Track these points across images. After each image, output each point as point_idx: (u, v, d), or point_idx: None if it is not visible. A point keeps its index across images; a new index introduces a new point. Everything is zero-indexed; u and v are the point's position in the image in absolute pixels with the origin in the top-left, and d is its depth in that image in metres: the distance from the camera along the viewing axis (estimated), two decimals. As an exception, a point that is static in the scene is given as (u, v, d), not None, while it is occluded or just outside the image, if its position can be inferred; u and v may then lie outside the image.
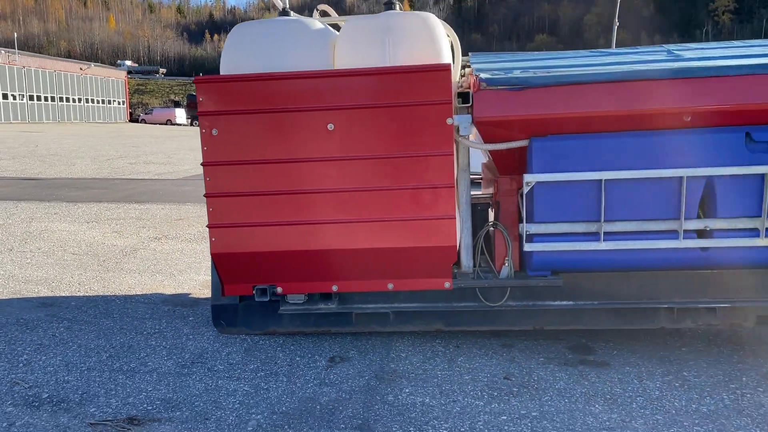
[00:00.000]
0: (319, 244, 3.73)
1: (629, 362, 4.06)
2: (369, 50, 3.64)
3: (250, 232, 3.71)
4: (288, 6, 4.02)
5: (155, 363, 3.89)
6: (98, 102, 71.65)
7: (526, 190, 3.68)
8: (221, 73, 3.75)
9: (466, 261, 4.02)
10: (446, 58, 3.66)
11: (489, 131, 3.74)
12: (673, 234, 3.64)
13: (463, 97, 3.67)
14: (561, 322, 4.14)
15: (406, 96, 3.54)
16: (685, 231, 3.63)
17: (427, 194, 3.63)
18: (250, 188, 3.66)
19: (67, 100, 65.92)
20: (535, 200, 3.72)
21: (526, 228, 3.74)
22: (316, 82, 3.56)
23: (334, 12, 4.70)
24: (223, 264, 3.84)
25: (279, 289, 3.94)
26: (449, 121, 3.56)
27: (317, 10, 4.65)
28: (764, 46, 4.11)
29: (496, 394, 3.59)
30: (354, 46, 3.69)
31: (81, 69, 68.38)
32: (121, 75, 78.06)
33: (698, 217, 3.68)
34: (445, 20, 4.06)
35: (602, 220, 3.65)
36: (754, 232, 3.60)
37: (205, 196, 3.74)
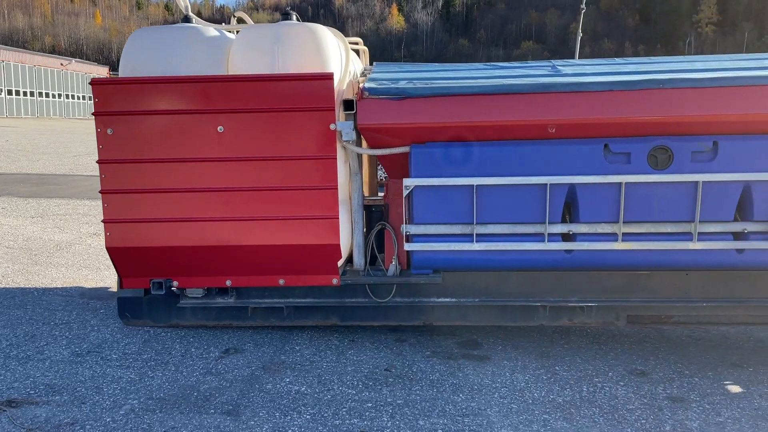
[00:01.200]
0: (211, 240, 3.94)
1: (509, 357, 4.32)
2: (260, 58, 3.87)
3: (144, 227, 3.92)
4: (189, 8, 4.23)
5: (52, 351, 4.09)
6: (79, 98, 71.24)
7: (405, 193, 3.92)
8: (120, 76, 3.95)
9: (358, 259, 4.25)
10: (333, 68, 3.89)
11: (373, 137, 3.97)
12: (539, 237, 3.90)
13: (349, 104, 3.90)
14: (448, 318, 4.39)
15: (292, 102, 3.77)
16: (550, 234, 3.89)
17: (312, 195, 3.85)
18: (144, 186, 3.87)
19: (47, 95, 65.50)
20: (414, 203, 3.96)
21: (407, 229, 3.98)
22: (207, 86, 3.78)
23: (249, 19, 4.93)
24: (118, 258, 4.05)
25: (175, 283, 4.15)
26: (332, 126, 3.80)
27: (234, 16, 4.88)
28: (641, 64, 4.38)
29: (371, 384, 3.82)
30: (246, 53, 3.91)
31: (62, 64, 68.00)
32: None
33: (563, 221, 3.94)
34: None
35: (475, 222, 3.89)
36: (612, 237, 3.86)
37: (100, 192, 3.94)
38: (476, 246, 3.92)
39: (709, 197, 3.77)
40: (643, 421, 3.44)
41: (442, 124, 3.81)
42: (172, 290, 4.25)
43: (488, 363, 4.20)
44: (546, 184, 3.80)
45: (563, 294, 4.16)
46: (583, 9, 19.34)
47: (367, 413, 3.44)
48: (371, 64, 5.14)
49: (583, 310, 4.23)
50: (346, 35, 4.39)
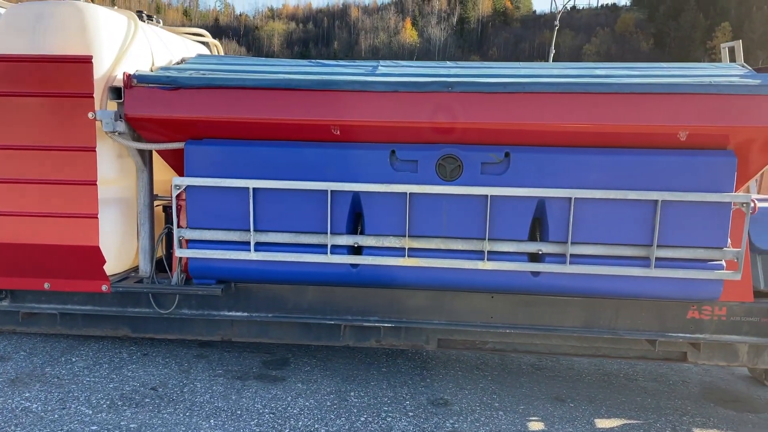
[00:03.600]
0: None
1: (310, 379, 3.94)
2: (20, 37, 3.52)
3: None
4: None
5: None
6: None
7: (175, 193, 3.55)
8: None
9: (144, 265, 3.89)
10: (101, 51, 3.53)
11: (146, 130, 3.62)
12: (323, 248, 3.52)
13: (118, 92, 3.54)
14: (248, 334, 4.00)
15: (46, 86, 3.43)
16: (335, 246, 3.51)
17: (69, 190, 3.50)
18: None
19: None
20: (188, 205, 3.59)
21: (180, 233, 3.61)
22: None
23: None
24: None
25: (-67, 281, 3.79)
26: (90, 115, 3.45)
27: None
28: (469, 69, 3.97)
29: (120, 404, 3.45)
30: (7, 32, 3.57)
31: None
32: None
33: (351, 232, 3.56)
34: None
35: (252, 229, 3.52)
36: (400, 252, 3.48)
37: None
38: (254, 255, 3.54)
39: (501, 213, 3.39)
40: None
41: (215, 119, 3.46)
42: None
43: (278, 385, 3.83)
44: (327, 191, 3.43)
45: (362, 313, 3.78)
46: (556, 26, 19.00)
47: (81, 437, 3.07)
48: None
49: (391, 332, 3.84)
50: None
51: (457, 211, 3.42)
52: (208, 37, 5.06)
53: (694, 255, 3.32)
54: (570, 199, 3.30)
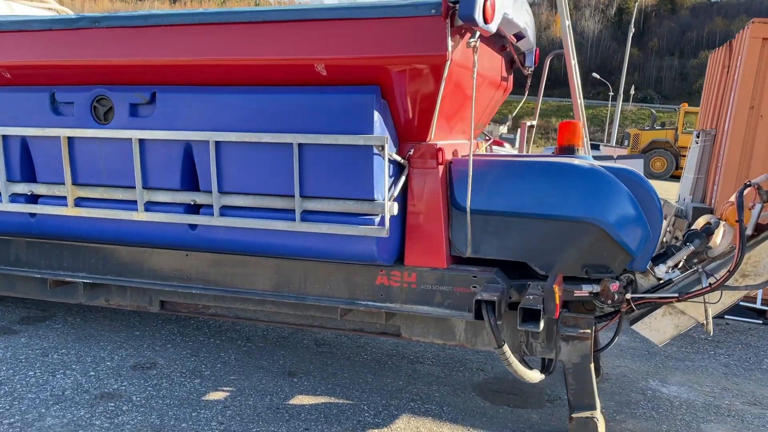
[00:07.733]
0: None
1: (42, 335, 3.94)
2: None
3: None
4: None
5: None
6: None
7: None
8: None
9: None
10: None
11: None
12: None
13: None
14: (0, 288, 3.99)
15: None
16: (14, 195, 3.38)
17: None
18: None
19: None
20: None
21: None
22: None
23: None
24: None
25: None
26: None
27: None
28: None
29: None
30: None
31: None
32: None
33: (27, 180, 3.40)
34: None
35: None
36: (63, 200, 3.28)
37: None
38: None
39: (153, 160, 3.07)
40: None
41: None
42: None
43: (0, 339, 3.79)
44: None
45: (72, 268, 3.60)
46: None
47: None
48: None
49: (119, 291, 3.66)
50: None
51: (113, 158, 3.16)
52: (54, 4, 5.13)
53: (343, 208, 2.81)
54: (208, 142, 2.93)
